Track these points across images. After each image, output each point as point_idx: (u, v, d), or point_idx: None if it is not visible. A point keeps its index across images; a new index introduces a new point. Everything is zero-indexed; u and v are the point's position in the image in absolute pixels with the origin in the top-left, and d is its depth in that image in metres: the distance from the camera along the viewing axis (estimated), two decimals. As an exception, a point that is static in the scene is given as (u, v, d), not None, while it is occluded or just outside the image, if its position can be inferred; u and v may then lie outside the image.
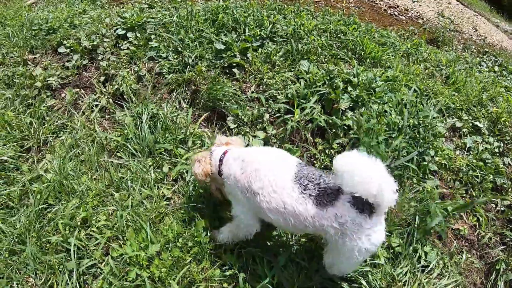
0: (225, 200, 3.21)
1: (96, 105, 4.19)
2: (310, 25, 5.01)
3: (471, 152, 4.43)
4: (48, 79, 4.33)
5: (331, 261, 2.68)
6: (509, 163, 4.48)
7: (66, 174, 3.34)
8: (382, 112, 4.15)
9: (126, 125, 3.90)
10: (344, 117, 4.07)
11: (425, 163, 4.00)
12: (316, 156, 3.91)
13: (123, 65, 4.46)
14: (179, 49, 4.59)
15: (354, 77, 4.40)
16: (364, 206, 2.28)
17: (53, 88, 4.39)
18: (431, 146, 4.12)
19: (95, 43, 4.65)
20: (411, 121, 4.15)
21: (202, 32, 4.74)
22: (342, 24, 5.37)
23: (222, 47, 4.56)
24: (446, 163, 4.15)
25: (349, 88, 4.30)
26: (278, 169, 2.51)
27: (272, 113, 4.16)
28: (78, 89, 4.34)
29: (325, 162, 3.88)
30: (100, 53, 4.62)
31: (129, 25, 4.82)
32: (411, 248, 3.37)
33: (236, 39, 4.70)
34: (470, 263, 3.66)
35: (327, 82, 4.32)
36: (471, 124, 4.62)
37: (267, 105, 4.16)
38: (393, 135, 3.95)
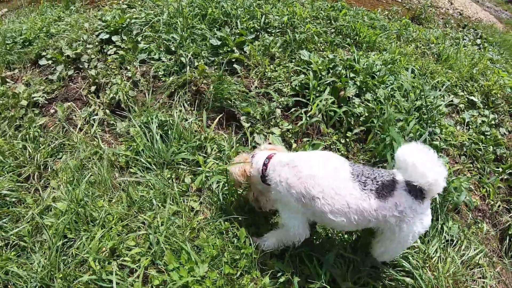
0: (260, 208, 3.03)
1: (94, 119, 3.76)
2: (304, 13, 4.81)
3: (471, 126, 4.49)
4: (33, 95, 3.83)
5: (384, 249, 2.68)
6: (505, 133, 4.62)
7: (80, 200, 2.94)
8: (390, 97, 4.09)
9: (133, 137, 3.54)
10: (355, 105, 3.96)
11: (435, 142, 4.00)
12: (332, 147, 3.78)
13: (114, 72, 4.03)
14: (172, 48, 4.22)
15: (356, 63, 4.30)
16: (417, 193, 2.37)
17: (41, 105, 3.90)
18: (437, 125, 4.13)
19: (78, 51, 4.16)
20: (417, 102, 4.14)
21: (194, 29, 4.40)
22: (332, 10, 5.22)
23: (218, 42, 4.24)
24: (451, 139, 4.19)
25: (351, 75, 4.19)
26: (334, 171, 2.46)
27: (281, 107, 3.95)
28: (68, 103, 3.87)
29: (342, 151, 3.79)
30: (85, 61, 4.14)
31: (112, 28, 4.37)
32: (439, 225, 3.38)
33: (231, 34, 4.42)
34: (487, 232, 3.71)
35: (331, 71, 4.19)
36: (466, 99, 4.68)
37: (278, 100, 3.96)
38: (402, 118, 3.92)
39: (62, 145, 3.59)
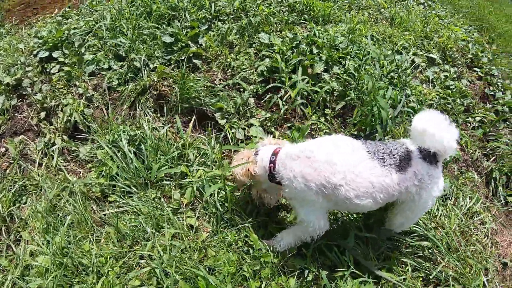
0: (264, 204, 2.76)
1: (52, 149, 3.22)
2: None
3: (435, 83, 4.49)
4: (-26, 137, 3.21)
5: (404, 220, 2.61)
6: (467, 84, 4.68)
7: (62, 249, 2.49)
8: (359, 67, 3.95)
9: (101, 160, 3.09)
10: (327, 80, 3.77)
11: (411, 104, 3.95)
12: (313, 127, 3.56)
13: (62, 92, 3.48)
14: (122, 53, 3.74)
15: (318, 38, 4.10)
16: (431, 158, 2.34)
17: (-13, 146, 3.30)
18: (408, 87, 4.08)
19: (18, 76, 3.55)
20: (387, 68, 4.04)
21: (141, 29, 3.94)
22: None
23: (171, 39, 3.82)
24: (421, 99, 4.16)
25: (315, 51, 4.00)
26: (351, 154, 2.30)
27: (251, 96, 3.65)
28: (19, 137, 3.29)
29: (325, 130, 3.59)
30: (28, 87, 3.55)
31: (50, 44, 3.79)
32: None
33: (182, 28, 4.01)
34: (473, 179, 3.72)
35: (294, 50, 3.94)
36: (426, 57, 4.67)
37: (248, 89, 3.65)
38: (383, 86, 3.78)
39: (23, 188, 3.05)
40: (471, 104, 4.43)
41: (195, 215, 2.77)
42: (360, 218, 2.94)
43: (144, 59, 3.67)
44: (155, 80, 3.59)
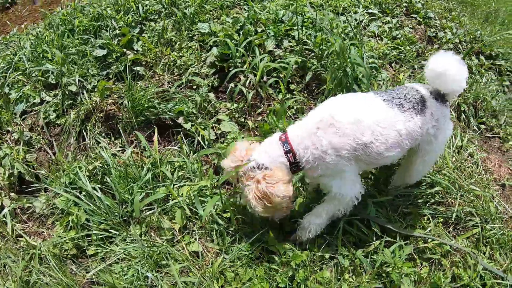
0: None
1: (3, 214, 2.60)
2: None
3: (382, 36, 4.40)
4: None
5: (421, 167, 2.48)
6: (410, 31, 4.64)
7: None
8: (309, 36, 3.71)
9: (64, 210, 2.55)
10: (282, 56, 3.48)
11: (370, 60, 3.80)
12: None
13: (-7, 141, 2.86)
14: (52, 81, 3.16)
15: (260, 15, 3.78)
16: (442, 98, 2.31)
17: None
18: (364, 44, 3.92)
19: None
20: (337, 30, 3.83)
21: (67, 49, 3.36)
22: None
23: (104, 52, 3.31)
24: (374, 54, 4.04)
25: (262, 28, 3.68)
26: (369, 107, 2.14)
27: (208, 91, 3.27)
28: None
29: (296, 106, 3.31)
30: None
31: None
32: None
33: (112, 37, 3.49)
34: None
35: (240, 33, 3.59)
36: (365, 12, 4.56)
37: (204, 84, 3.25)
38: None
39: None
40: (420, 49, 4.40)
41: (195, 239, 2.35)
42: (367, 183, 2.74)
43: (79, 80, 3.12)
44: (98, 101, 3.08)
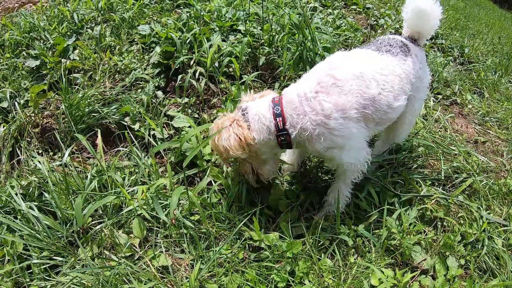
0: (258, 181, 2.00)
1: None
2: None
3: (327, 25, 4.20)
4: None
5: (411, 118, 2.25)
6: (353, 19, 4.48)
7: None
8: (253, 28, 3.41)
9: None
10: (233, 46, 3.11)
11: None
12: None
13: None
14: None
15: (204, 13, 3.44)
16: (415, 42, 2.15)
17: None
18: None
19: None
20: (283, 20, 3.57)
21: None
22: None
23: (37, 62, 2.81)
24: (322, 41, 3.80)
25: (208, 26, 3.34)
26: (364, 59, 1.88)
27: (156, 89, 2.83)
28: None
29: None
30: None
31: None
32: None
33: (46, 49, 3.00)
34: None
35: (184, 29, 3.20)
36: (307, 8, 4.37)
37: (151, 82, 2.81)
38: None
39: None
40: (365, 34, 4.24)
41: (161, 252, 1.83)
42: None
43: (11, 92, 2.60)
44: (33, 115, 2.56)
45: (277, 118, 1.70)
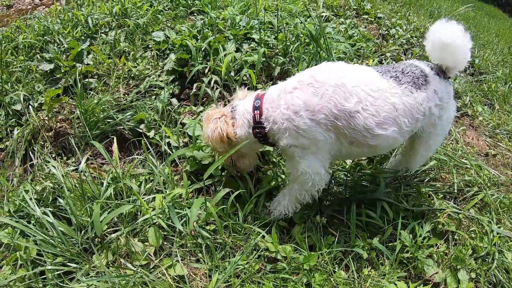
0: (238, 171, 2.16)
1: None
2: None
3: (339, 36, 4.24)
4: None
5: (424, 152, 2.12)
6: (364, 29, 4.50)
7: None
8: (268, 36, 3.44)
9: (10, 246, 1.98)
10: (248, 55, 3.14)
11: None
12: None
13: None
14: (-9, 102, 2.64)
15: (218, 21, 3.48)
16: (444, 74, 1.93)
17: None
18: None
19: None
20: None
21: (11, 67, 2.87)
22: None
23: (51, 66, 2.84)
24: (334, 51, 3.83)
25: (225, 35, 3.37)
26: (359, 74, 1.75)
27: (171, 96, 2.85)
28: None
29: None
30: None
31: None
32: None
33: (60, 52, 3.03)
34: None
35: (198, 37, 3.24)
36: (321, 16, 4.40)
37: (167, 88, 2.83)
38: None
39: None
40: (377, 45, 4.27)
41: (177, 261, 1.84)
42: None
43: (24, 95, 2.63)
44: (46, 119, 2.59)
45: (255, 111, 1.77)
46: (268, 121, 1.75)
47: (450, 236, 2.13)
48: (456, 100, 3.74)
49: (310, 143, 1.72)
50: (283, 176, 2.31)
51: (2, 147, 2.55)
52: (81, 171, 2.19)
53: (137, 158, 2.43)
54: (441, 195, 2.32)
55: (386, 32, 4.57)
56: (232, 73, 2.84)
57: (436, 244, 2.08)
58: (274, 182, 2.23)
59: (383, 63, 3.91)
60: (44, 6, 4.51)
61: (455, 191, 2.39)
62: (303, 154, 1.76)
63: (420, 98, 1.78)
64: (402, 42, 4.42)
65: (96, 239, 1.94)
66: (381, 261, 1.95)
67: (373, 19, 4.70)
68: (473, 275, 1.93)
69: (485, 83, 4.39)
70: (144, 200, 2.11)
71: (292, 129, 1.69)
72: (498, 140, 3.35)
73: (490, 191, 2.41)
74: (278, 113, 1.71)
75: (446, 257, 2.01)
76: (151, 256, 1.89)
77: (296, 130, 1.68)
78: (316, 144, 1.72)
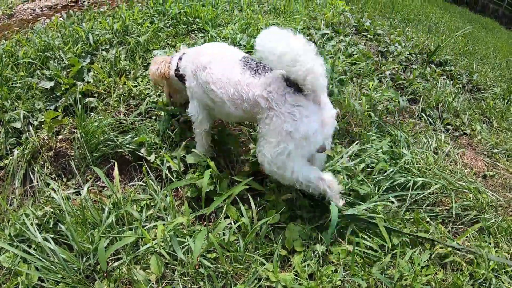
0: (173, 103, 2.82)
1: None
2: (134, 15, 3.71)
3: (338, 53, 4.29)
4: None
5: (264, 145, 2.03)
6: (363, 47, 4.57)
7: None
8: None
9: (11, 269, 1.99)
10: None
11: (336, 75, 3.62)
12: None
13: None
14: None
15: (224, 40, 3.53)
16: (295, 85, 1.91)
17: None
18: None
19: None
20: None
21: (10, 83, 2.89)
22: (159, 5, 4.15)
23: (52, 83, 2.87)
24: (334, 70, 3.88)
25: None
26: (223, 54, 2.29)
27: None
28: None
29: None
30: None
31: None
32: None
33: (60, 69, 3.06)
34: (414, 123, 3.58)
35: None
36: (320, 34, 4.46)
37: (168, 110, 2.88)
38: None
39: None
40: (376, 63, 4.33)
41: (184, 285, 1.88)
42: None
43: (24, 114, 2.65)
44: (46, 138, 2.61)
45: (178, 60, 2.50)
46: (182, 68, 2.44)
47: (448, 263, 2.16)
48: (454, 120, 3.80)
49: (191, 91, 2.37)
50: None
51: (2, 165, 2.56)
52: (83, 197, 2.21)
53: (138, 183, 2.45)
54: (440, 220, 2.36)
55: (385, 49, 4.64)
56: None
57: (434, 272, 2.12)
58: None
59: (382, 82, 3.97)
60: (45, 17, 4.54)
61: (453, 215, 2.43)
62: (190, 97, 2.42)
63: (248, 81, 2.07)
64: (400, 60, 4.48)
65: (103, 273, 1.95)
66: (380, 288, 1.98)
67: (372, 36, 4.77)
68: (470, 301, 1.96)
69: (483, 100, 4.46)
70: (146, 227, 2.14)
71: (190, 76, 2.34)
72: (496, 159, 3.40)
73: (488, 215, 2.45)
74: (183, 63, 2.44)
75: (443, 283, 2.03)
76: (153, 284, 1.91)
77: (185, 76, 2.41)
78: (193, 93, 2.37)
